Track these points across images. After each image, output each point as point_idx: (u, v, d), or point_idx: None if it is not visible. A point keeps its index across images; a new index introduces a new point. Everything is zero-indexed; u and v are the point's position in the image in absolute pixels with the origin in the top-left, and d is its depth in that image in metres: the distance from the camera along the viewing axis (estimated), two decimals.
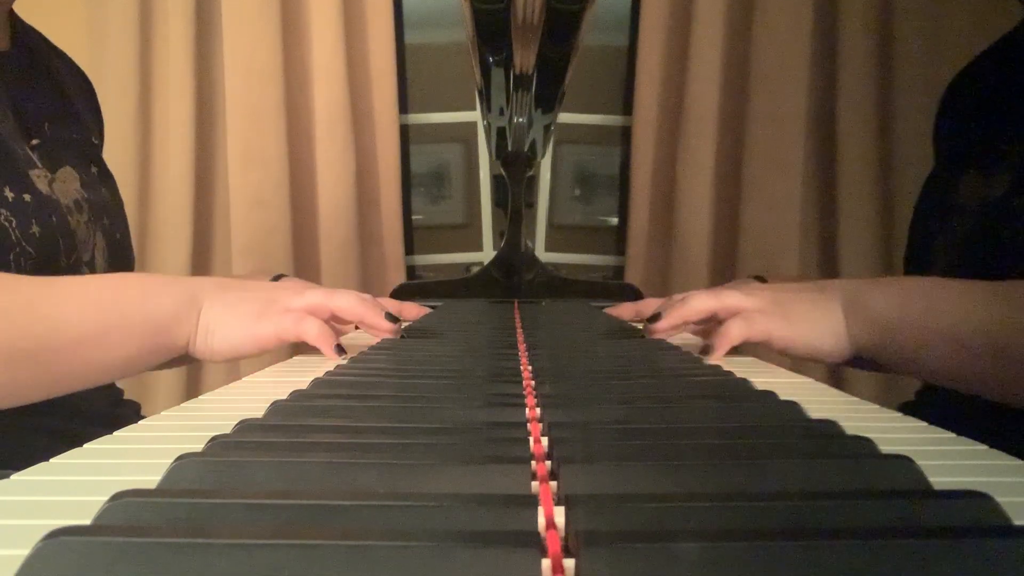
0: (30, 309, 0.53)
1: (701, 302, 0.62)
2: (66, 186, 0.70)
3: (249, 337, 0.59)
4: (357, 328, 0.75)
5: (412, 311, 0.87)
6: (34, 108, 0.71)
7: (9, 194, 0.62)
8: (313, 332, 0.59)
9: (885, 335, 0.58)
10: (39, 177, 0.66)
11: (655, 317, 0.65)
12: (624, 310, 0.90)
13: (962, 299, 0.56)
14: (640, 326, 0.72)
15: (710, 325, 0.65)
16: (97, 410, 0.71)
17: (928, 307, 0.57)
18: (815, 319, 0.60)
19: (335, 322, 0.64)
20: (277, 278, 0.92)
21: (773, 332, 0.59)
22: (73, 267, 0.68)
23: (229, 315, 0.59)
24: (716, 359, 0.59)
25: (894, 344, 0.58)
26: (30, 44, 0.76)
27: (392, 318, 0.64)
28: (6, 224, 0.60)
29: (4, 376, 0.52)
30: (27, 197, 0.63)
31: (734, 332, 0.59)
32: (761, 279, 0.93)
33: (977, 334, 0.54)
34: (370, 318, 0.63)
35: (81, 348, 0.55)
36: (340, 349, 0.60)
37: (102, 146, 0.85)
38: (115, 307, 0.57)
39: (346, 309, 0.62)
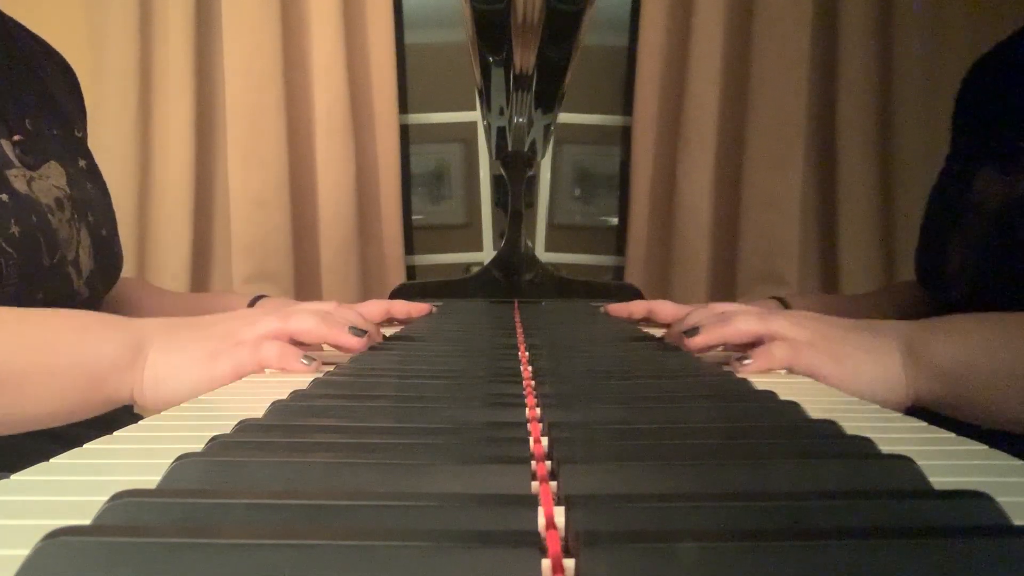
0: None
1: (746, 324, 0.57)
2: (47, 183, 0.68)
3: (204, 381, 0.54)
4: None
5: (402, 309, 0.81)
6: (15, 103, 0.70)
7: None
8: (272, 355, 0.54)
9: (951, 384, 0.53)
10: (17, 177, 0.65)
11: (692, 331, 0.59)
12: (635, 308, 0.84)
13: None
14: (638, 323, 0.72)
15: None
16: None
17: (996, 349, 0.53)
18: (868, 364, 0.54)
19: (299, 346, 0.59)
20: (255, 300, 0.88)
21: (819, 370, 0.54)
22: (57, 266, 0.66)
23: (180, 361, 0.54)
24: (747, 373, 0.53)
25: (960, 393, 0.53)
26: (9, 35, 0.74)
27: (358, 332, 0.58)
28: None
29: None
30: (4, 197, 0.62)
31: (778, 356, 0.54)
32: (782, 300, 0.89)
33: None
34: (333, 337, 0.57)
35: (6, 388, 0.50)
36: (309, 359, 0.54)
37: (86, 138, 0.83)
38: (46, 348, 0.53)
39: (305, 332, 0.57)
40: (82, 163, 0.76)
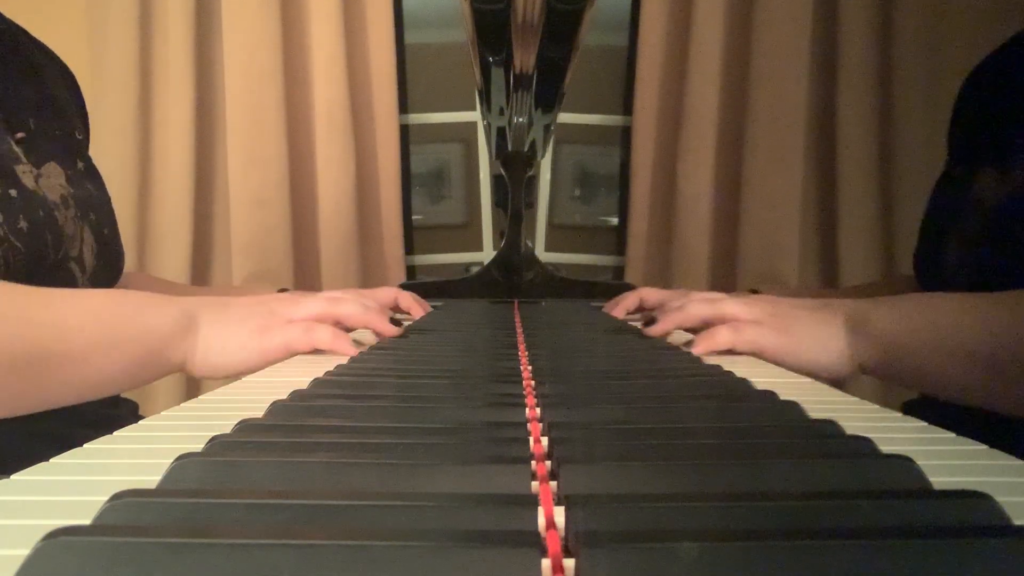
0: (28, 318, 0.53)
1: (698, 309, 0.63)
2: (51, 181, 0.69)
3: (255, 352, 0.59)
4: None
5: (406, 300, 0.86)
6: (18, 103, 0.70)
7: None
8: (327, 339, 0.59)
9: (890, 353, 0.58)
10: (25, 172, 0.65)
11: (650, 322, 0.66)
12: (628, 302, 0.88)
13: (961, 312, 0.56)
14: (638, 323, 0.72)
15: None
16: (93, 412, 0.70)
17: (932, 322, 0.57)
18: (814, 333, 0.60)
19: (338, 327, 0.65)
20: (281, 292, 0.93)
21: (763, 343, 0.59)
22: (60, 262, 0.67)
23: (230, 331, 0.59)
24: (696, 353, 0.59)
25: (898, 362, 0.58)
26: (12, 37, 0.75)
27: (396, 322, 0.63)
28: None
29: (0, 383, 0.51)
30: (13, 192, 0.62)
31: (720, 339, 0.60)
32: (756, 293, 0.93)
33: (977, 345, 0.54)
34: (375, 323, 0.63)
35: (77, 360, 0.54)
36: (358, 344, 0.60)
37: (87, 141, 0.84)
38: (112, 321, 0.57)
39: (350, 316, 0.62)
40: (80, 165, 0.77)
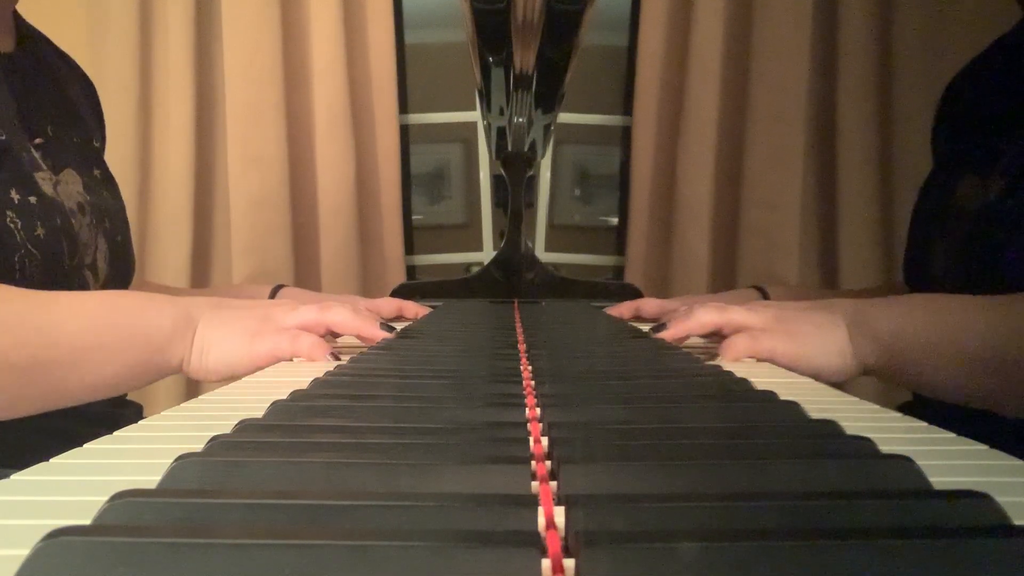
0: (27, 321, 0.54)
1: (707, 316, 0.63)
2: (69, 188, 0.70)
3: (245, 356, 0.59)
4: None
5: (412, 309, 0.88)
6: (38, 110, 0.72)
7: (15, 196, 0.62)
8: (306, 347, 0.59)
9: (890, 353, 0.58)
10: (44, 179, 0.66)
11: (659, 327, 0.66)
12: (624, 309, 0.90)
13: (964, 313, 0.57)
14: (642, 326, 0.73)
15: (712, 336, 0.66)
16: (98, 410, 0.71)
17: (931, 323, 0.58)
18: (820, 338, 0.60)
19: (331, 334, 0.65)
20: (276, 289, 0.95)
21: (777, 350, 0.59)
22: (76, 269, 0.68)
23: (224, 335, 0.60)
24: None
25: (899, 362, 0.58)
26: (34, 46, 0.76)
27: (388, 327, 0.64)
28: (11, 226, 0.61)
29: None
30: (32, 199, 0.63)
31: (740, 347, 0.60)
32: (761, 289, 0.94)
33: (980, 348, 0.54)
34: (365, 330, 0.64)
35: (76, 363, 0.55)
36: (335, 357, 0.60)
37: (104, 150, 0.85)
38: (111, 323, 0.57)
39: (341, 323, 0.63)
40: (97, 172, 0.79)
